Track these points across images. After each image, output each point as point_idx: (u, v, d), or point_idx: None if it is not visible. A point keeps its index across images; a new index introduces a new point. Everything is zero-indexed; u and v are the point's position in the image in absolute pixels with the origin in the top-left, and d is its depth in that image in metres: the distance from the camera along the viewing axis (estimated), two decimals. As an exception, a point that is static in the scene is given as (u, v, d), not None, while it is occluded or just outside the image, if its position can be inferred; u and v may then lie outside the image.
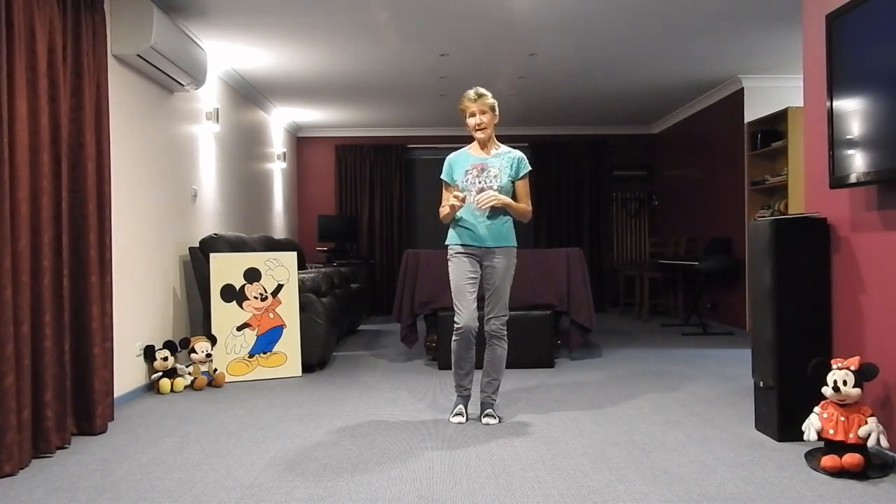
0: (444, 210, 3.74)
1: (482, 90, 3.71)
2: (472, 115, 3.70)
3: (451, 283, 3.73)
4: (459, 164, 3.77)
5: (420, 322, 5.74)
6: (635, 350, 6.21)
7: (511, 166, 3.73)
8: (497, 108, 3.74)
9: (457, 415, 3.77)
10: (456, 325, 3.69)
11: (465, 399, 3.84)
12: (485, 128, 3.70)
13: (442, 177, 3.83)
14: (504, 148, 3.81)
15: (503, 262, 3.71)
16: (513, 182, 3.73)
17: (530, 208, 3.79)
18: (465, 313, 3.66)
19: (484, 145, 3.76)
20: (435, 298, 5.35)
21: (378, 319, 9.04)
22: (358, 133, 9.78)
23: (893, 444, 2.97)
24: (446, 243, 3.81)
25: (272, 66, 6.43)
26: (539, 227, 9.77)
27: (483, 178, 3.69)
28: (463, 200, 3.61)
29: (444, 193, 3.82)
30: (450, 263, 3.75)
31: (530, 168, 3.82)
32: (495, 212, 3.69)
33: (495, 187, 3.66)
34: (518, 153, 3.79)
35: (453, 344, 3.75)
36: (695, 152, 8.59)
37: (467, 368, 3.80)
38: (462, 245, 3.71)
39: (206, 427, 3.72)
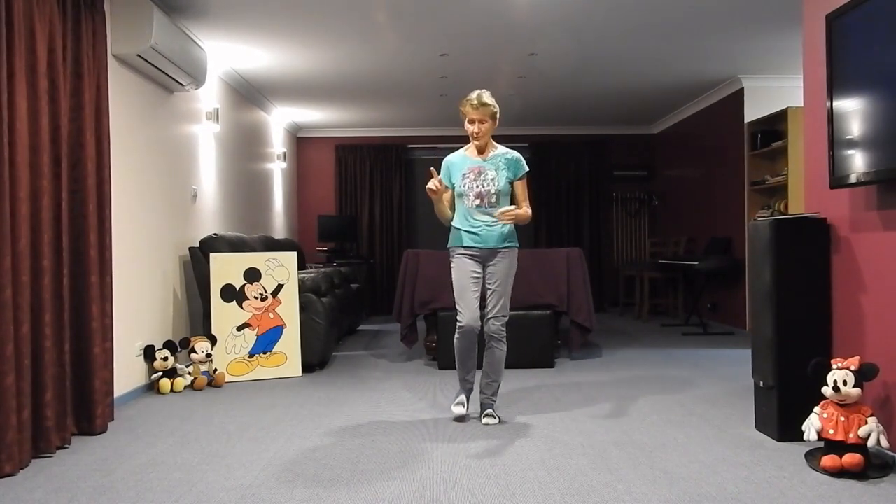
0: (437, 207, 3.80)
1: (486, 97, 3.69)
2: (472, 121, 3.71)
3: (454, 283, 3.74)
4: (457, 167, 3.78)
5: (420, 322, 5.74)
6: (635, 350, 6.21)
7: (508, 167, 3.73)
8: (498, 115, 3.75)
9: (458, 404, 3.78)
10: (459, 325, 3.69)
11: (467, 391, 3.86)
12: (482, 136, 3.71)
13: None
14: (501, 149, 3.81)
15: (506, 263, 3.72)
16: (511, 183, 3.74)
17: (530, 211, 3.80)
18: (467, 313, 3.66)
19: (481, 149, 3.77)
20: (435, 298, 5.35)
21: (378, 319, 9.04)
22: (358, 133, 9.78)
23: (893, 444, 2.97)
24: (448, 246, 3.82)
25: (272, 66, 6.43)
26: (539, 227, 9.76)
27: (481, 181, 3.70)
28: (436, 189, 3.63)
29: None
30: (452, 264, 3.76)
31: (528, 169, 3.83)
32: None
33: (493, 190, 3.68)
34: (515, 153, 3.79)
35: (456, 342, 3.75)
36: (695, 152, 8.58)
37: (469, 366, 3.82)
38: (465, 247, 3.73)
39: (205, 427, 3.72)
